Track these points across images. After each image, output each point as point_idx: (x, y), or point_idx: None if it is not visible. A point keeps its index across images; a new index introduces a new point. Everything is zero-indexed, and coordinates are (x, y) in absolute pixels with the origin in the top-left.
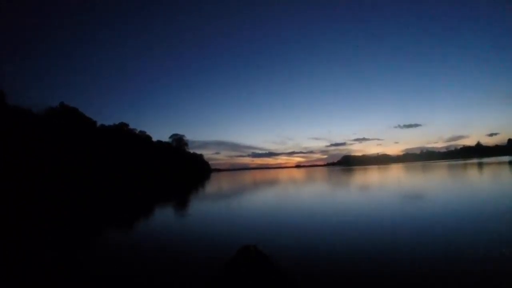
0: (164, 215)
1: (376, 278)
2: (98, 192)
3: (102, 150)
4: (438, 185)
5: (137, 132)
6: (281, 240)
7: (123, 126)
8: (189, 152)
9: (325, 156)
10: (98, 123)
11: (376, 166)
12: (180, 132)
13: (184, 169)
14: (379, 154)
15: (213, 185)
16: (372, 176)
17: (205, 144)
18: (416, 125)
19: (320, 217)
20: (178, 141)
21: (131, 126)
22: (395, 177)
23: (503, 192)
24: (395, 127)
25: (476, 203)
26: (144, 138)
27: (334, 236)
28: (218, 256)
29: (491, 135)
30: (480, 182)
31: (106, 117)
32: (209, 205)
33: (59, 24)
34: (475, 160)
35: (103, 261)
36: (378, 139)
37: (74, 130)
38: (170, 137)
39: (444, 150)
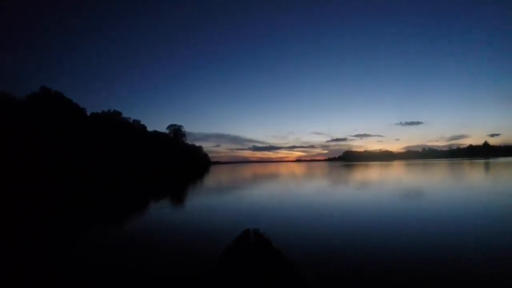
0: (161, 207)
1: (377, 272)
2: (88, 185)
3: (93, 139)
4: (444, 183)
5: (130, 121)
6: (281, 228)
7: (115, 115)
8: (188, 144)
9: (326, 151)
10: (89, 111)
11: (378, 163)
12: (180, 124)
13: (182, 161)
14: (381, 150)
15: (212, 178)
16: (376, 172)
17: (205, 137)
18: (417, 123)
19: (323, 210)
20: (176, 132)
21: (126, 116)
22: (400, 174)
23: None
24: (396, 124)
25: (483, 202)
26: (138, 127)
27: (335, 227)
28: (219, 243)
29: (492, 135)
30: (488, 182)
31: (104, 108)
32: (208, 197)
33: (50, 10)
34: (480, 160)
35: (100, 256)
36: (379, 136)
37: (59, 117)
38: (168, 127)
39: (446, 148)
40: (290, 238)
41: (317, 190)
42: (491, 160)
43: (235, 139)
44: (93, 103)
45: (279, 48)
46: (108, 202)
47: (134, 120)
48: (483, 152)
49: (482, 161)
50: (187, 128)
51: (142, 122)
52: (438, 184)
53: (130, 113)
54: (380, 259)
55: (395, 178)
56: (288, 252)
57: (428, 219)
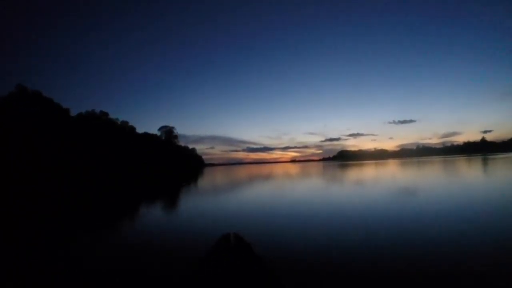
0: (147, 210)
1: (361, 273)
2: (72, 190)
3: (76, 140)
4: (439, 180)
5: (118, 122)
6: (265, 231)
7: (102, 115)
8: (180, 146)
9: (320, 151)
10: (75, 112)
11: (373, 161)
12: (175, 127)
13: (174, 163)
14: (376, 149)
15: (204, 180)
16: (374, 172)
17: (199, 139)
18: (410, 121)
19: (311, 212)
20: (168, 134)
21: (114, 117)
22: (400, 173)
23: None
24: (390, 122)
25: (481, 198)
26: (127, 128)
27: (321, 230)
28: (201, 246)
29: (485, 132)
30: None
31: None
32: (196, 200)
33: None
34: (477, 156)
35: (86, 259)
36: (372, 135)
37: (37, 117)
38: (159, 129)
39: (440, 146)
40: (274, 241)
41: (308, 192)
42: (490, 156)
43: (229, 141)
44: (81, 105)
45: (272, 49)
46: (90, 207)
47: (123, 121)
48: (479, 149)
49: (480, 157)
50: (181, 130)
51: (134, 125)
52: (448, 185)
53: (121, 116)
54: (365, 262)
55: (395, 178)
56: (269, 255)
57: (426, 223)
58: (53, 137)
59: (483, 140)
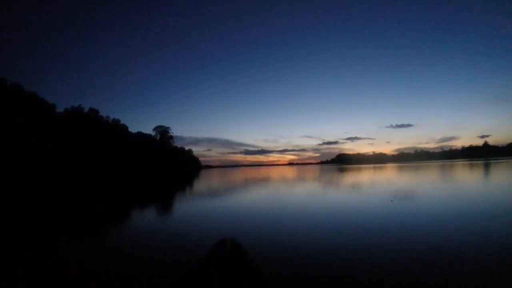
0: (139, 214)
1: (357, 279)
2: (58, 191)
3: (60, 137)
4: (440, 186)
5: (110, 121)
6: (262, 236)
7: (91, 112)
8: (176, 147)
9: (317, 155)
10: (62, 109)
11: (372, 165)
12: (172, 128)
13: (169, 165)
14: (375, 153)
15: (200, 183)
16: (372, 176)
17: (196, 141)
18: (408, 125)
19: (306, 216)
20: (163, 134)
21: (105, 115)
22: (397, 177)
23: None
24: (387, 127)
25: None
26: (119, 128)
27: (319, 235)
28: (195, 252)
29: (482, 136)
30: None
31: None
32: (191, 203)
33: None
34: (479, 161)
35: (79, 263)
36: (370, 139)
37: (17, 112)
38: (154, 129)
39: (439, 150)
40: (271, 246)
41: (306, 196)
42: (489, 161)
43: (226, 143)
44: (73, 103)
45: (270, 52)
46: (81, 208)
47: (114, 119)
48: (477, 153)
49: (478, 162)
50: (178, 132)
51: (127, 125)
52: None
53: (116, 116)
54: (367, 271)
55: (395, 183)
56: (266, 261)
57: (424, 227)
58: (35, 133)
59: (485, 145)
